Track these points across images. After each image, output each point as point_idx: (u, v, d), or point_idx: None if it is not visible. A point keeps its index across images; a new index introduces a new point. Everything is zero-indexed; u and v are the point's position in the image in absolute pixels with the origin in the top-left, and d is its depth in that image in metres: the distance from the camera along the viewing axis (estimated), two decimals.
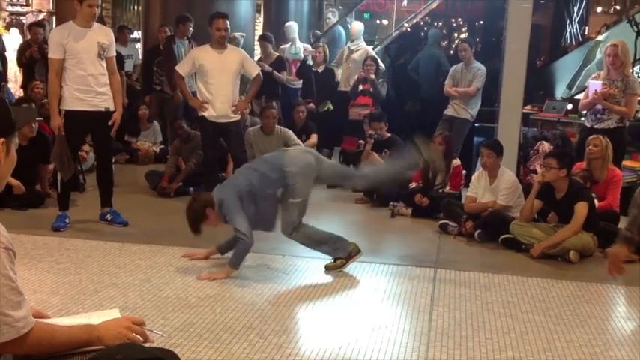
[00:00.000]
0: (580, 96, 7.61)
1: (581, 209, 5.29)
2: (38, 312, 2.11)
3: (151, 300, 4.02)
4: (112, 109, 5.60)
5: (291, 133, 7.42)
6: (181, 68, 6.44)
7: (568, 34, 11.21)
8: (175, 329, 3.59)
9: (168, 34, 8.88)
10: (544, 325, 3.91)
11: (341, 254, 4.80)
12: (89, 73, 5.43)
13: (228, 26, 6.32)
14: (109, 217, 5.77)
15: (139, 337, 2.01)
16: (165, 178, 7.15)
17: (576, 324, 3.97)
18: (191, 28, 8.26)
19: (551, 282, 4.72)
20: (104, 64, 5.52)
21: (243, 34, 9.19)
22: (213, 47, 6.29)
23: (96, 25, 5.53)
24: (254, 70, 6.48)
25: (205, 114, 6.32)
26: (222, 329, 3.63)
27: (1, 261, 1.69)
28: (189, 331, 3.58)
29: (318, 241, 4.81)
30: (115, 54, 5.70)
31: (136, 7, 16.35)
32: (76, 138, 5.68)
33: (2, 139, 1.74)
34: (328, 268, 4.78)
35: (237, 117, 6.50)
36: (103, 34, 5.54)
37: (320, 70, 9.11)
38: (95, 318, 2.09)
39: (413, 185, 6.85)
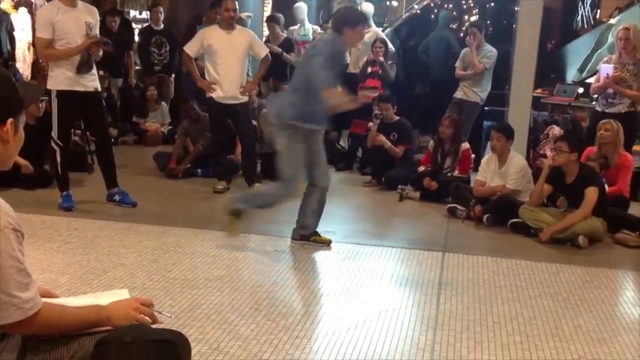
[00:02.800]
0: (591, 80, 7.55)
1: (591, 194, 5.26)
2: (47, 291, 2.11)
3: (159, 281, 4.03)
4: (99, 89, 5.61)
5: None
6: (190, 48, 6.41)
7: (580, 17, 11.10)
8: (183, 310, 3.59)
9: (162, 13, 8.84)
10: (552, 310, 3.90)
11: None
12: None
13: (237, 7, 6.27)
14: (117, 197, 5.76)
15: (147, 318, 2.00)
16: (174, 160, 7.14)
17: (585, 309, 3.95)
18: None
19: (560, 267, 4.70)
20: None
21: (250, 14, 9.13)
22: (221, 28, 6.28)
23: (81, 3, 5.45)
24: (262, 52, 6.46)
25: (213, 95, 6.30)
26: (230, 311, 3.63)
27: (9, 243, 1.69)
28: (196, 312, 3.58)
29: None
30: (97, 32, 5.60)
31: None
32: (69, 118, 5.63)
33: (11, 119, 1.73)
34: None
35: (246, 98, 6.48)
36: (89, 14, 5.45)
37: None
38: (104, 298, 2.09)
39: (421, 168, 6.82)
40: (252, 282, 4.10)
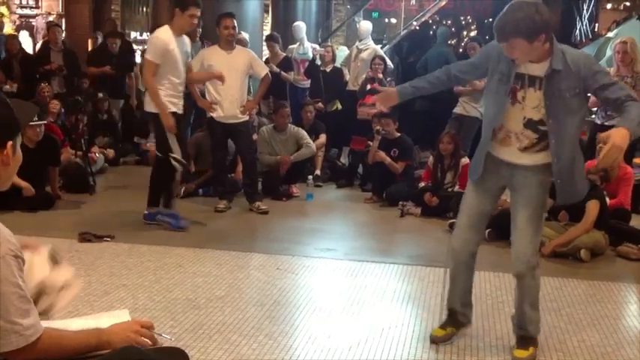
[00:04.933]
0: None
1: (592, 207, 5.25)
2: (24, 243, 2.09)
3: (160, 301, 4.02)
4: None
5: (303, 132, 7.51)
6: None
7: (578, 30, 11.16)
8: (185, 331, 3.58)
9: None
10: (555, 325, 3.88)
11: None
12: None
13: (236, 25, 6.31)
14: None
15: (147, 340, 2.00)
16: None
17: (588, 323, 3.94)
18: (199, 29, 8.24)
19: (563, 281, 4.69)
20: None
21: (246, 35, 9.18)
22: (221, 47, 6.31)
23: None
24: (262, 71, 6.49)
25: (214, 115, 6.32)
26: (232, 330, 3.62)
27: (10, 269, 1.69)
28: (198, 332, 3.57)
29: None
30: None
31: (144, 9, 16.38)
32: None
33: (10, 142, 1.74)
34: None
35: (246, 117, 6.52)
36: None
37: (328, 70, 9.10)
38: (105, 319, 2.09)
39: (422, 184, 6.83)
40: (254, 301, 4.09)
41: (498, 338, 3.68)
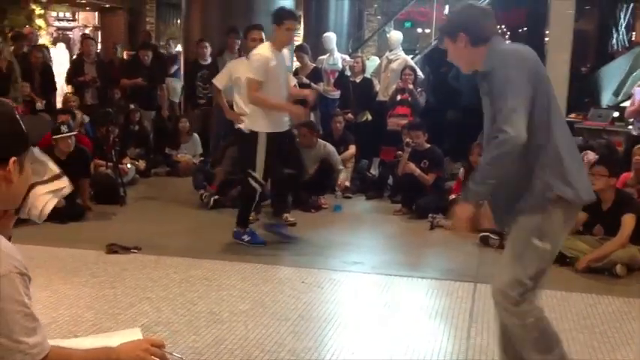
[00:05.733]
0: (627, 103, 7.38)
1: (628, 221, 5.10)
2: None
3: (183, 315, 3.99)
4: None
5: (333, 150, 7.39)
6: (218, 81, 6.45)
7: (614, 40, 10.93)
8: (206, 345, 3.54)
9: (208, 48, 8.94)
10: (588, 344, 3.76)
11: None
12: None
13: (264, 37, 6.28)
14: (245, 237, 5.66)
15: (157, 359, 1.96)
16: (214, 186, 7.18)
17: (622, 342, 3.80)
18: (238, 41, 8.25)
19: (597, 298, 4.55)
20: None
21: None
22: (248, 59, 6.26)
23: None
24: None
25: (241, 126, 6.27)
26: (254, 346, 3.57)
27: (14, 287, 1.65)
28: (219, 347, 3.53)
29: None
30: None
31: (179, 21, 16.56)
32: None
33: (14, 158, 1.70)
34: None
35: None
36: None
37: (358, 81, 9.03)
38: (116, 338, 2.05)
39: (453, 196, 6.71)
40: (278, 315, 4.04)
41: None
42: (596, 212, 5.33)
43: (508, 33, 12.33)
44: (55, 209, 6.46)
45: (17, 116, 1.72)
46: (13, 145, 1.70)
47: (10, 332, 1.64)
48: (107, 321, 3.85)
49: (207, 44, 9.04)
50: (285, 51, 5.69)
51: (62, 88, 12.40)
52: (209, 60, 9.05)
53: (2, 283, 1.63)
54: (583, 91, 9.25)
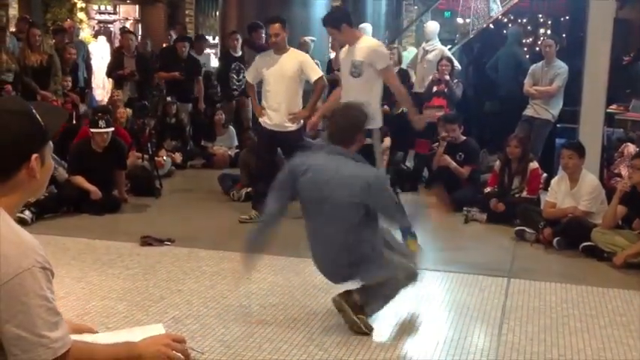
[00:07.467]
0: None
1: None
2: (79, 327, 2.11)
3: (214, 307, 4.01)
4: None
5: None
6: (249, 75, 6.42)
7: None
8: (235, 339, 3.56)
9: (239, 40, 8.99)
10: (623, 342, 3.66)
11: None
12: None
13: (281, 31, 5.99)
14: None
15: (179, 354, 1.97)
16: (240, 184, 7.18)
17: None
18: (264, 35, 8.24)
19: (634, 294, 4.43)
20: None
21: (314, 38, 9.14)
22: (275, 52, 6.12)
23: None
24: (314, 75, 6.12)
25: (262, 120, 6.22)
26: (282, 340, 3.57)
27: (37, 281, 1.67)
28: (248, 341, 3.54)
29: None
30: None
31: (217, 13, 16.63)
32: None
33: (35, 155, 1.73)
34: None
35: (294, 126, 6.09)
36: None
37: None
38: (138, 333, 2.07)
39: (488, 189, 6.62)
40: (307, 309, 4.03)
41: (561, 355, 3.50)
42: (635, 206, 5.20)
43: (549, 22, 12.08)
44: (92, 201, 6.56)
45: (34, 112, 1.74)
46: (34, 142, 1.73)
47: (33, 326, 1.66)
48: (138, 313, 3.90)
49: (238, 36, 9.08)
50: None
51: (103, 81, 12.62)
52: (240, 52, 9.11)
53: (25, 277, 1.65)
54: (624, 81, 9.01)
